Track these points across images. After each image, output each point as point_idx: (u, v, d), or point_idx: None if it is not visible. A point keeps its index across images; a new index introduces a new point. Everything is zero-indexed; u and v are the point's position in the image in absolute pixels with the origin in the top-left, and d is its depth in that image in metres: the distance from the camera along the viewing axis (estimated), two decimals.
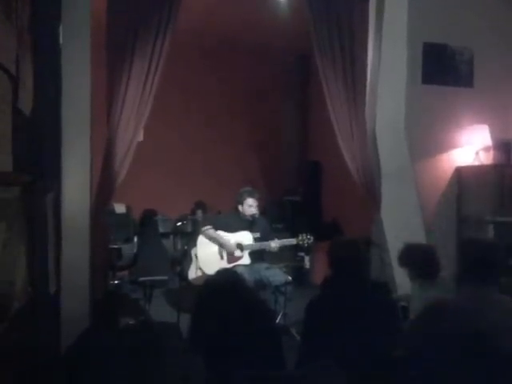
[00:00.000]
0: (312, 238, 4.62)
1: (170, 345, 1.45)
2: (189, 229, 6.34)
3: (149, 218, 6.63)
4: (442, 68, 4.47)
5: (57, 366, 2.16)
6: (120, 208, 6.39)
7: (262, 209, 5.28)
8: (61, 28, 3.45)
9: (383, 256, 4.16)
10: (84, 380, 1.57)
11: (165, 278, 5.47)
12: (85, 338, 2.02)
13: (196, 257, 4.63)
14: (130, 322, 2.28)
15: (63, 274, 3.41)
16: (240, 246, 4.59)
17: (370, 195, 4.27)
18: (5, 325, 1.78)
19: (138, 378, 1.34)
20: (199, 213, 6.56)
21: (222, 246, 4.58)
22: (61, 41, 3.46)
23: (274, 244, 4.51)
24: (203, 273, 4.49)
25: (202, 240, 4.66)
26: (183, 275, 4.83)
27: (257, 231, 4.66)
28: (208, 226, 4.67)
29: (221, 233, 4.64)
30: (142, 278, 5.22)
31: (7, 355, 1.86)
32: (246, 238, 4.61)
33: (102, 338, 1.85)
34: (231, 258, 4.55)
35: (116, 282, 5.39)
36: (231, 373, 1.57)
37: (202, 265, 4.56)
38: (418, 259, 3.00)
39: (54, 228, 3.07)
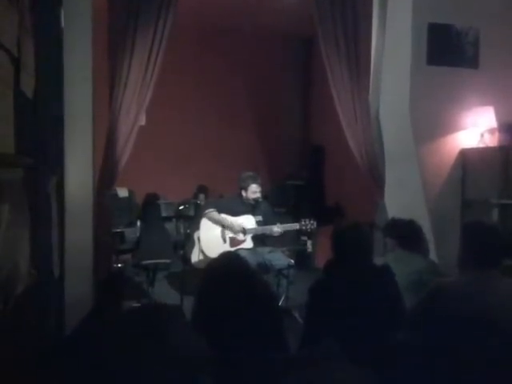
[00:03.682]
0: (315, 223, 4.61)
1: (172, 326, 1.46)
2: (191, 212, 6.36)
3: (151, 201, 6.63)
4: (447, 49, 4.40)
5: (60, 349, 2.17)
6: (122, 192, 6.40)
7: (265, 193, 5.28)
8: (62, 10, 3.42)
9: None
10: (85, 362, 1.58)
11: (168, 261, 5.48)
12: (87, 321, 2.03)
13: (199, 240, 4.64)
14: (133, 305, 2.29)
15: (67, 257, 3.42)
16: (243, 230, 4.59)
17: (374, 179, 4.24)
18: (9, 307, 1.78)
19: (139, 360, 1.34)
20: (201, 197, 6.57)
21: (227, 227, 4.56)
22: (62, 23, 3.43)
23: (277, 229, 4.50)
24: (206, 256, 4.50)
25: (204, 223, 4.67)
26: (186, 258, 4.84)
27: (259, 214, 4.66)
28: (211, 209, 4.67)
29: (224, 216, 4.64)
30: (145, 262, 5.24)
31: (11, 338, 1.87)
32: (248, 221, 4.61)
33: (103, 320, 1.86)
34: (234, 241, 4.55)
35: (119, 265, 5.42)
36: (233, 355, 1.58)
37: (204, 248, 4.57)
38: (402, 230, 3.16)
39: (58, 211, 3.07)
